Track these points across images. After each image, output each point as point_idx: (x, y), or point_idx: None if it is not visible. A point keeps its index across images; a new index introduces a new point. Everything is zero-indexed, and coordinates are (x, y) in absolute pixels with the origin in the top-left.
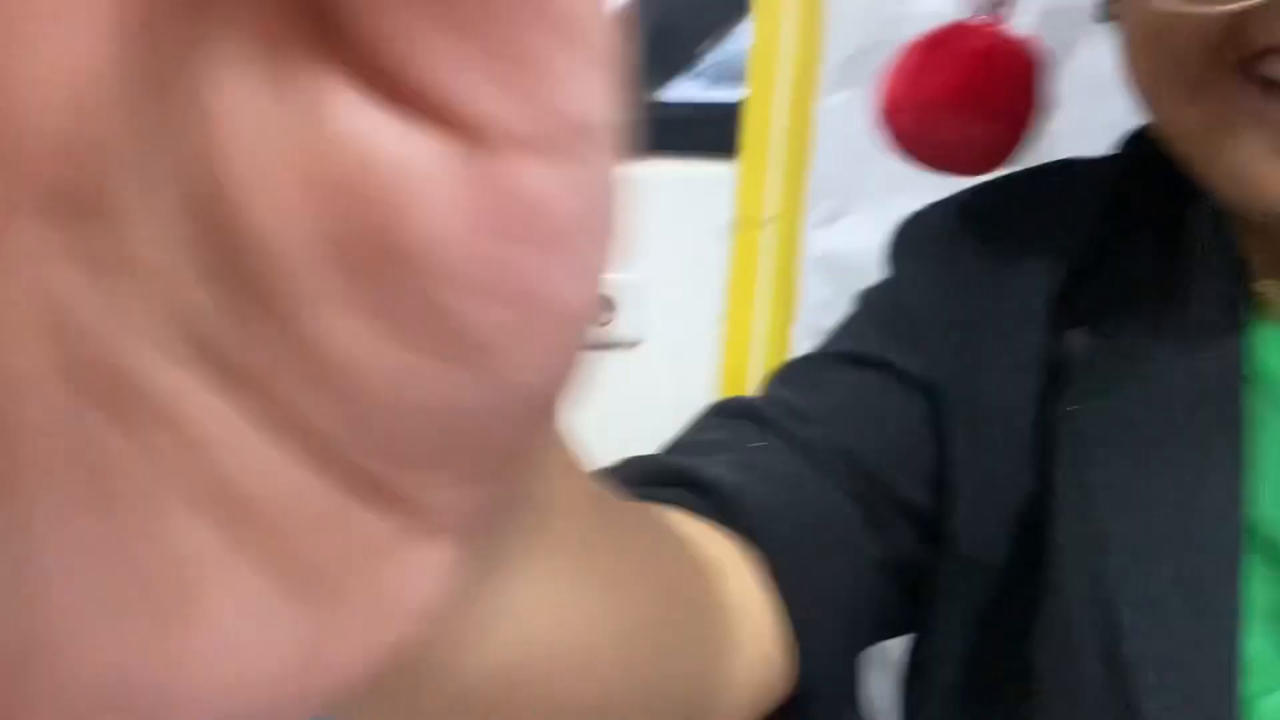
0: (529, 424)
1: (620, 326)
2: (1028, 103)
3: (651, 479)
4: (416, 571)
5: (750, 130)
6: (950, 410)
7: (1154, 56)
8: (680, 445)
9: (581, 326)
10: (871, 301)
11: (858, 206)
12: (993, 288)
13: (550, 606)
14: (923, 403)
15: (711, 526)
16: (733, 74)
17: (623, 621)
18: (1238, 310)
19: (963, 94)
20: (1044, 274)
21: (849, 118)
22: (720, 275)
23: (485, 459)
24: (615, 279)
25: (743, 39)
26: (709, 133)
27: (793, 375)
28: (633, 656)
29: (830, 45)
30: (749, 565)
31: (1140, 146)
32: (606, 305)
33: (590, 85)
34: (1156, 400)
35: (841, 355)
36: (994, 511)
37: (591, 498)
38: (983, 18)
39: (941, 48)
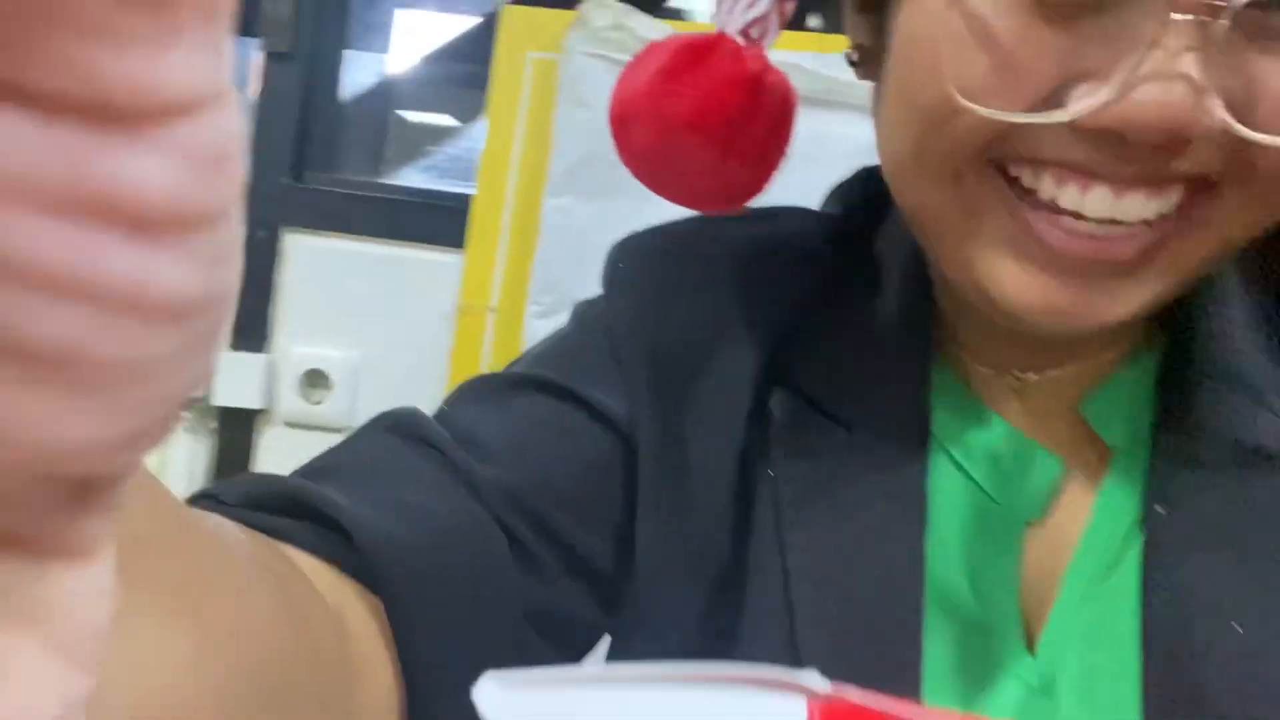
0: (126, 439)
1: (337, 404)
2: (780, 142)
3: (278, 505)
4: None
5: (478, 223)
6: (646, 455)
7: (916, 138)
8: (327, 466)
9: (186, 322)
10: (584, 322)
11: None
12: (706, 337)
13: (128, 649)
14: (615, 443)
15: (331, 566)
16: (464, 170)
17: (219, 669)
18: (924, 381)
19: (716, 120)
20: (757, 331)
21: (571, 219)
22: (442, 359)
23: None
24: (335, 356)
25: (477, 138)
26: (439, 222)
27: (481, 395)
28: (233, 708)
29: (556, 152)
30: (369, 611)
31: (851, 214)
32: (323, 383)
33: (164, 58)
34: (849, 466)
35: (537, 381)
36: (685, 573)
37: (179, 532)
38: (742, 39)
39: (699, 59)
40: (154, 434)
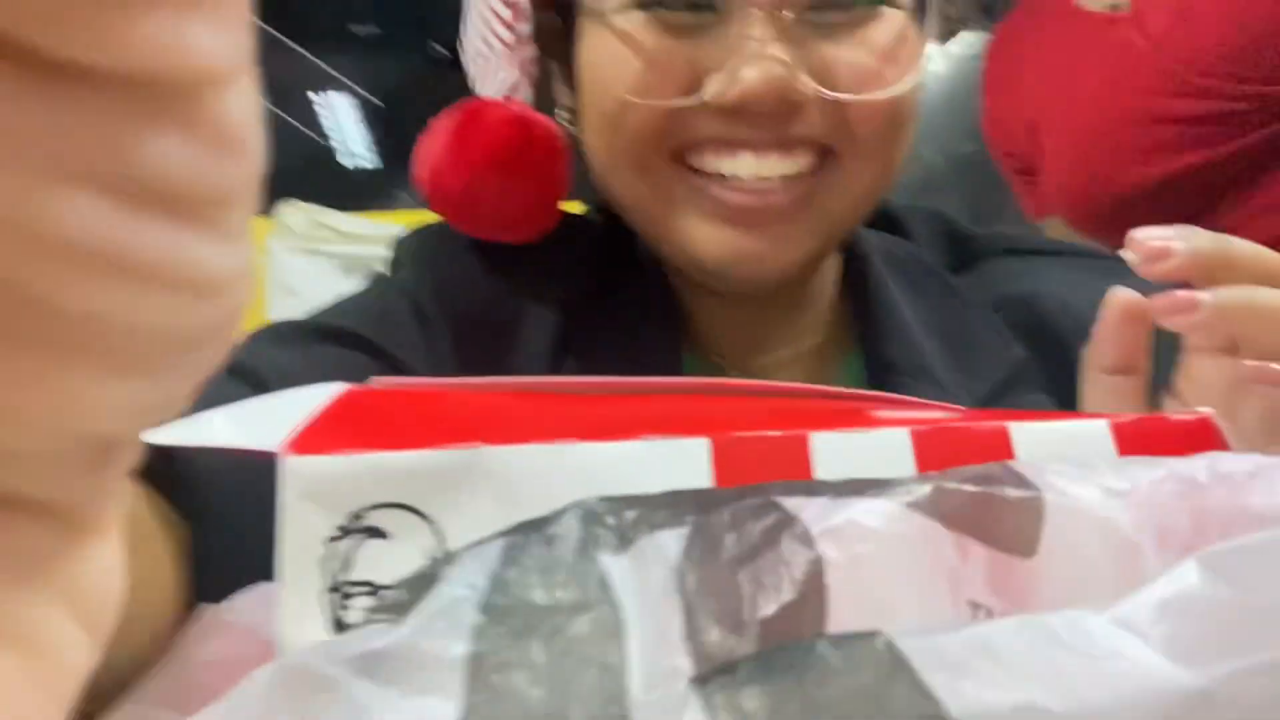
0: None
1: None
2: (560, 166)
3: None
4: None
5: None
6: None
7: (608, 140)
8: None
9: (212, 296)
10: (384, 287)
11: None
12: (504, 311)
13: None
14: None
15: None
16: None
17: None
18: (676, 348)
19: (504, 153)
20: (549, 306)
21: None
22: None
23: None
24: None
25: None
26: None
27: (281, 338)
28: None
29: None
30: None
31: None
32: None
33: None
34: None
35: (338, 331)
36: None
37: None
38: (501, 99)
39: (478, 116)
40: (176, 403)
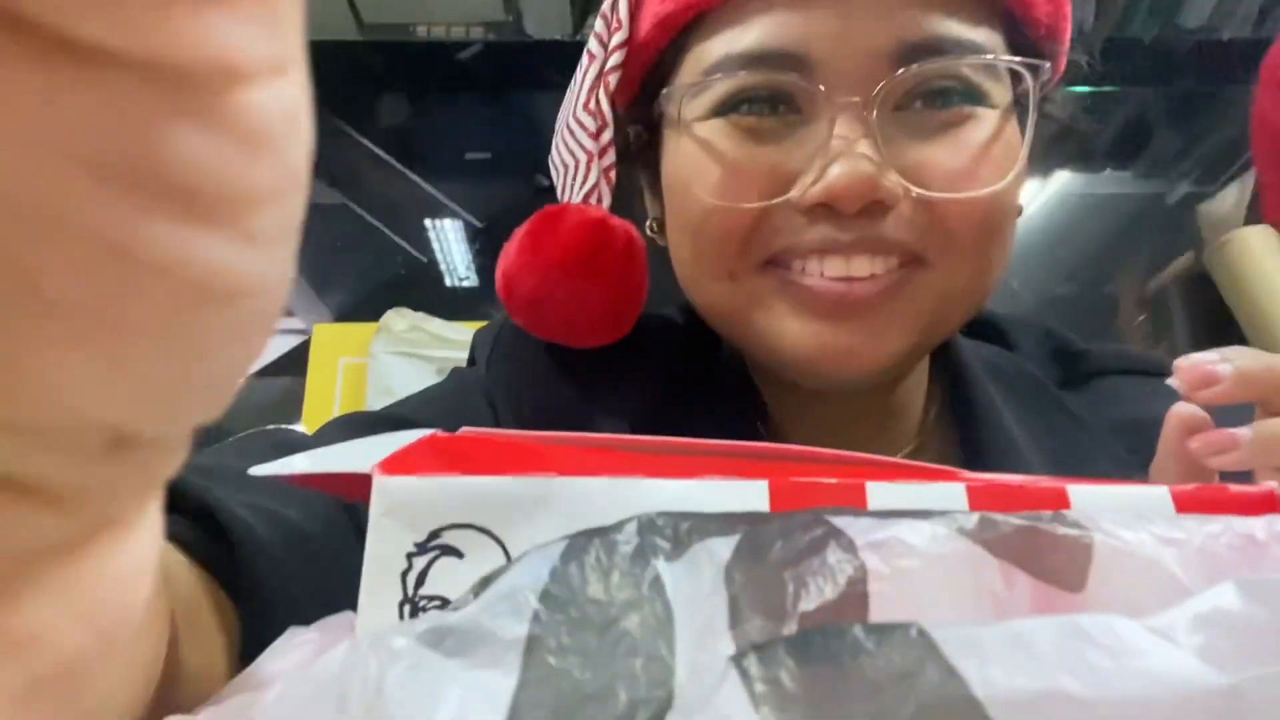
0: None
1: None
2: (636, 271)
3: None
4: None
5: None
6: None
7: (695, 246)
8: (201, 465)
9: (233, 302)
10: (462, 382)
11: None
12: (577, 412)
13: None
14: None
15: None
16: None
17: None
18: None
19: (577, 254)
20: (624, 409)
21: None
22: None
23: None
24: None
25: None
26: None
27: (350, 427)
28: None
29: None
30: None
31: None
32: None
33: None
34: None
35: (409, 422)
36: None
37: None
38: (580, 203)
39: (554, 219)
40: (198, 408)
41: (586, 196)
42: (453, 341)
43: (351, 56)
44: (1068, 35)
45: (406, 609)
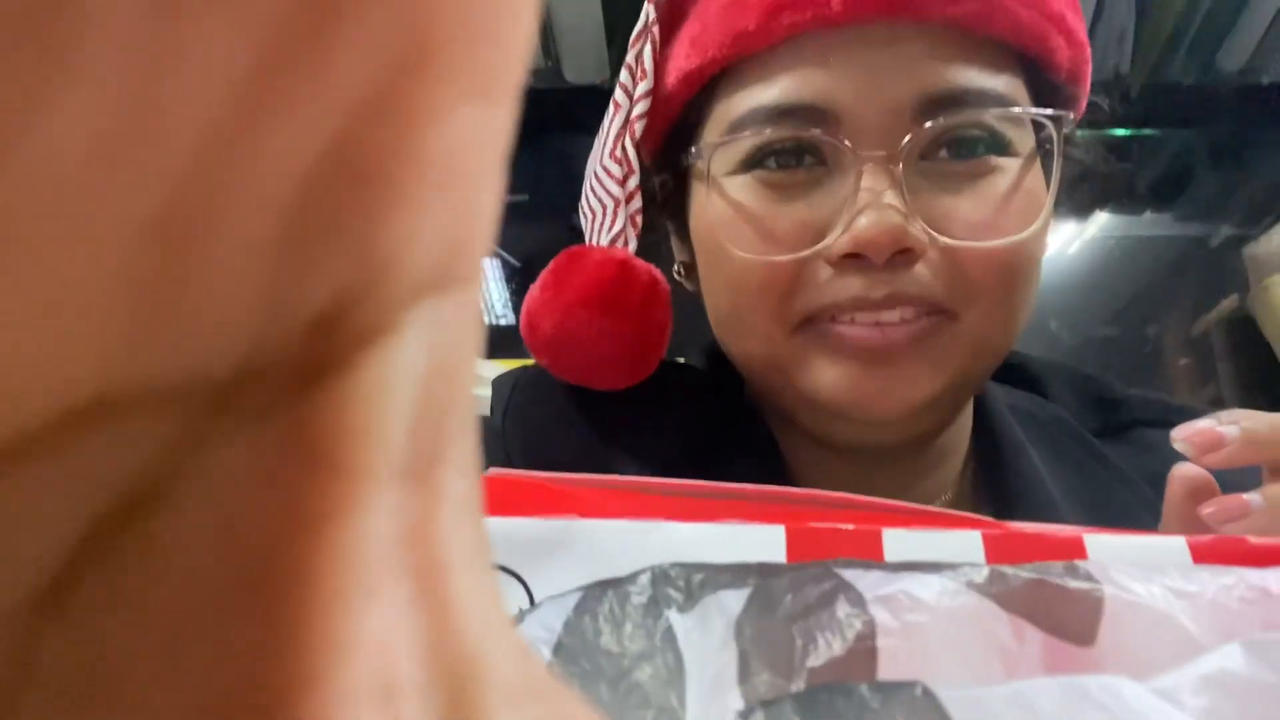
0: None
1: None
2: (658, 312)
3: None
4: None
5: None
6: None
7: (731, 300)
8: None
9: None
10: (480, 435)
11: None
12: (595, 463)
13: None
14: None
15: None
16: None
17: None
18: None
19: (598, 293)
20: (643, 459)
21: None
22: None
23: None
24: None
25: None
26: None
27: None
28: None
29: None
30: None
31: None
32: None
33: None
34: None
35: None
36: None
37: None
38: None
39: (577, 259)
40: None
41: (614, 241)
42: (486, 380)
43: None
44: (1088, 76)
45: None
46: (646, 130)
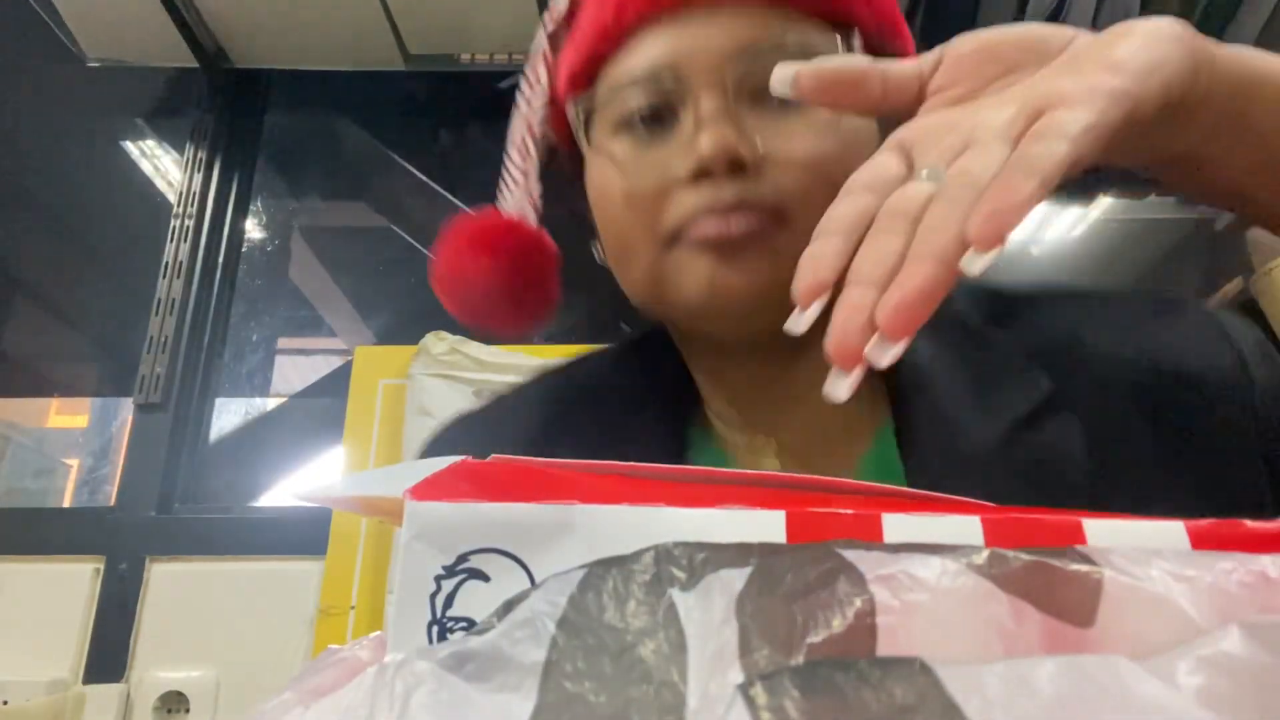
0: None
1: None
2: (539, 257)
3: None
4: None
5: (338, 531)
6: None
7: (614, 236)
8: None
9: None
10: None
11: None
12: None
13: None
14: None
15: None
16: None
17: None
18: (682, 443)
19: (485, 238)
20: (570, 448)
21: None
22: (302, 662)
23: None
24: (194, 676)
25: (337, 453)
26: (299, 534)
27: None
28: None
29: (408, 458)
30: None
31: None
32: (181, 705)
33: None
34: None
35: None
36: None
37: None
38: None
39: (476, 216)
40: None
41: (519, 213)
42: (490, 364)
43: (397, 86)
44: (904, 39)
45: (435, 630)
46: (555, 131)
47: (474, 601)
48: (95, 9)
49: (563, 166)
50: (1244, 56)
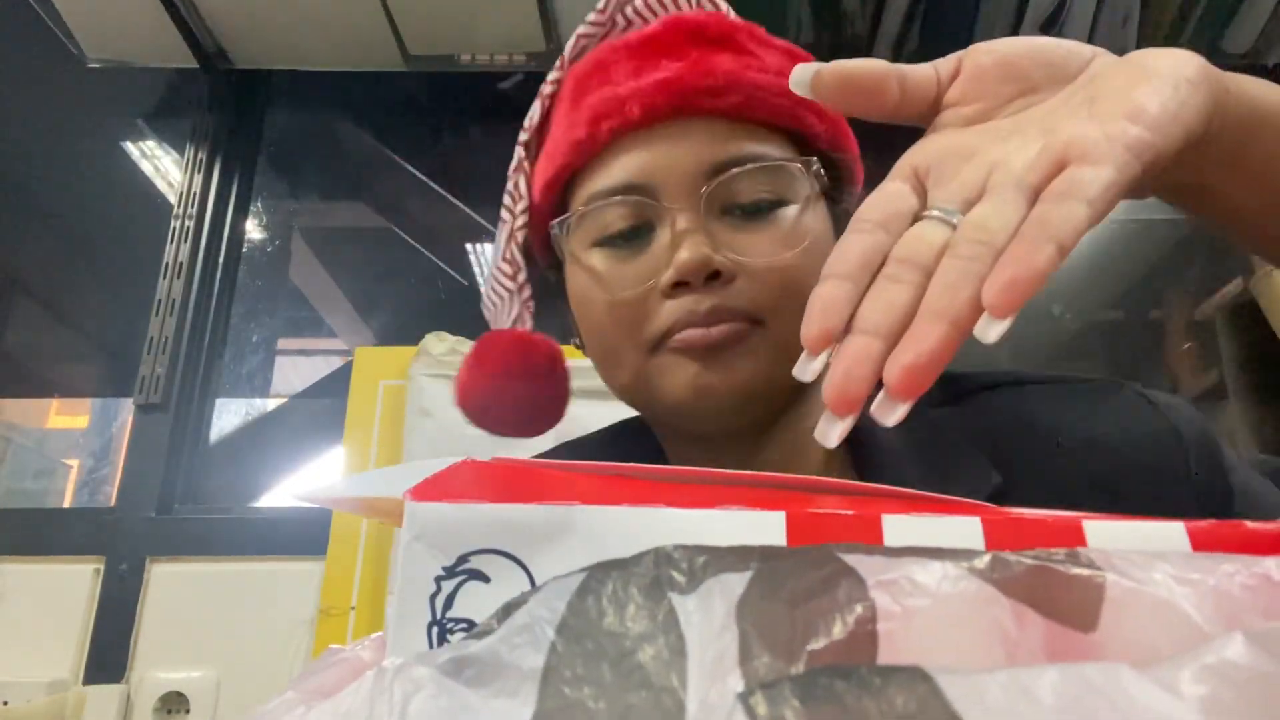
0: None
1: None
2: (558, 372)
3: None
4: None
5: (338, 531)
6: None
7: (598, 341)
8: None
9: None
10: None
11: None
12: None
13: None
14: None
15: None
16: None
17: None
18: None
19: (511, 364)
20: None
21: None
22: (302, 663)
23: None
24: (194, 677)
25: (337, 454)
26: (299, 534)
27: None
28: None
29: (407, 457)
30: None
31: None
32: (181, 705)
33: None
34: None
35: None
36: None
37: None
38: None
39: (493, 341)
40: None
41: (514, 323)
42: None
43: (397, 86)
44: (851, 144)
45: (434, 631)
46: (532, 236)
47: (474, 602)
48: (95, 9)
49: (542, 271)
50: (1248, 91)
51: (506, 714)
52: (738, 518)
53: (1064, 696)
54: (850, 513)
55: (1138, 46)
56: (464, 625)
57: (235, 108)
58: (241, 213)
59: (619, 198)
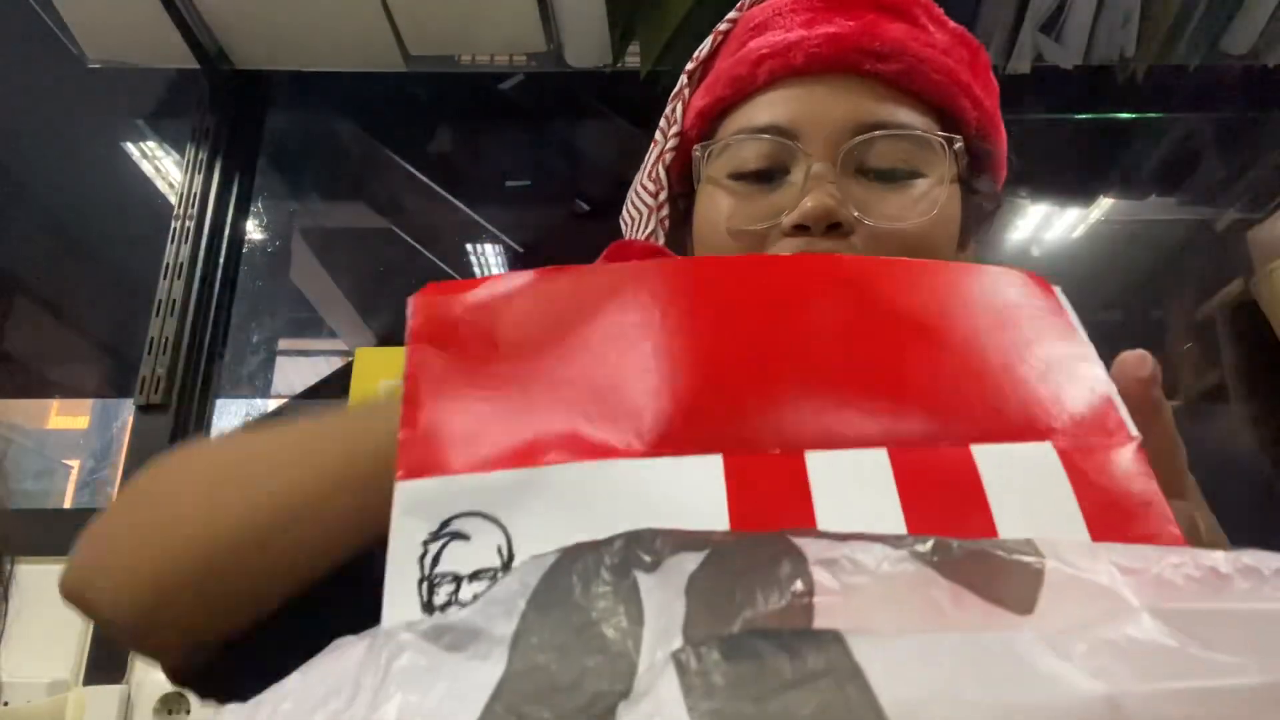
0: None
1: None
2: None
3: None
4: None
5: None
6: None
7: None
8: None
9: None
10: None
11: None
12: None
13: None
14: None
15: None
16: None
17: None
18: None
19: None
20: None
21: None
22: None
23: None
24: None
25: None
26: None
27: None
28: None
29: None
30: None
31: None
32: (181, 705)
33: None
34: None
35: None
36: None
37: None
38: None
39: (627, 247)
40: None
41: (649, 237)
42: None
43: (397, 87)
44: (1001, 141)
45: (424, 586)
46: (675, 160)
47: (457, 556)
48: (96, 10)
49: (677, 195)
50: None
51: (479, 672)
52: (681, 464)
53: (961, 659)
54: (778, 452)
55: (1138, 46)
56: (450, 578)
57: (235, 108)
58: (242, 213)
59: (765, 136)
